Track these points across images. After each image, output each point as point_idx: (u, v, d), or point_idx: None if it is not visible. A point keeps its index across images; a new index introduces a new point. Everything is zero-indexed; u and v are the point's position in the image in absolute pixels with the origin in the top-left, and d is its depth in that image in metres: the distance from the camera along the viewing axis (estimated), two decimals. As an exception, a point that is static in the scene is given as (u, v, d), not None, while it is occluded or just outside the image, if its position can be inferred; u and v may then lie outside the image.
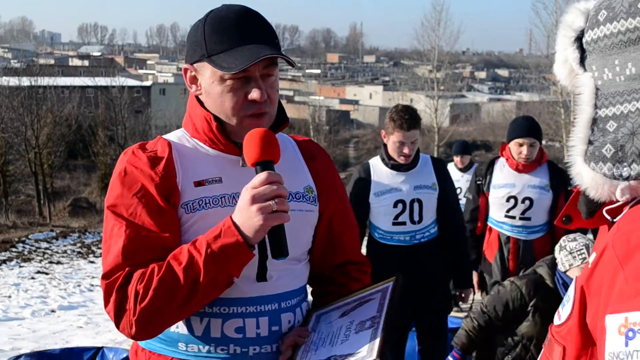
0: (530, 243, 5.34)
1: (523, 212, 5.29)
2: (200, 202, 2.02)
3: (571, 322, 1.24)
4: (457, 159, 8.90)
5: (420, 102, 48.82)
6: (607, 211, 1.30)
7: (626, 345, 1.07)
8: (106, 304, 1.94)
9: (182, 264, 1.89)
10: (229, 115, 2.03)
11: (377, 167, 4.87)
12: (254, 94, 1.99)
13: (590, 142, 1.30)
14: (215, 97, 2.03)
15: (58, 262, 12.99)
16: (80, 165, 45.03)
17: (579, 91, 1.34)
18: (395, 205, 4.78)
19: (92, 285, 10.98)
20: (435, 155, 41.96)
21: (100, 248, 15.02)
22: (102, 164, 39.80)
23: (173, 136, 2.15)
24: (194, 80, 2.09)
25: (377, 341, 1.92)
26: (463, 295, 5.16)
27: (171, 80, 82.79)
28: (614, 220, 1.27)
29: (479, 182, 5.50)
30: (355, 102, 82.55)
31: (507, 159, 5.35)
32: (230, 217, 1.91)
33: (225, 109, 2.03)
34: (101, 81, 50.27)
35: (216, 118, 2.05)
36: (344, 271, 2.33)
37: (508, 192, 5.30)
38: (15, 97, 37.70)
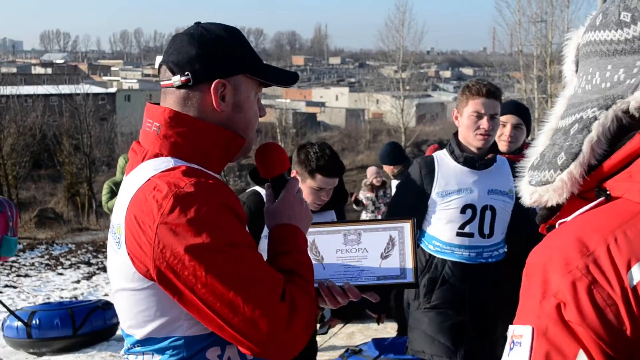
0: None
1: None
2: None
3: None
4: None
5: (387, 103, 49.09)
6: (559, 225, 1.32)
7: (508, 356, 1.15)
8: (289, 324, 1.81)
9: (309, 271, 2.01)
10: (253, 130, 2.08)
11: (444, 162, 3.94)
12: (264, 112, 2.14)
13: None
14: (246, 111, 2.04)
15: (26, 275, 12.81)
16: (45, 176, 44.51)
17: (557, 101, 1.37)
18: (463, 211, 3.86)
19: (62, 297, 10.85)
20: (403, 155, 42.11)
21: (69, 259, 14.88)
22: (67, 174, 39.37)
23: (183, 164, 1.94)
24: (220, 96, 1.99)
25: (411, 267, 2.24)
26: None
27: (136, 86, 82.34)
28: None
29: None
30: (322, 104, 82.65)
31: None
32: (292, 224, 2.07)
33: (253, 123, 2.08)
34: (65, 89, 49.55)
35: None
36: None
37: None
38: (-23, 107, 37.23)
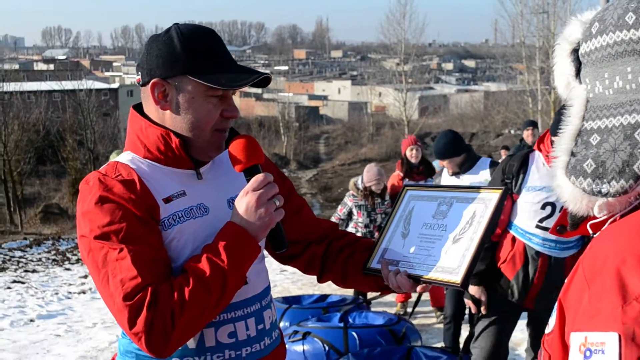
0: (562, 261, 4.33)
1: None
2: (175, 217, 2.07)
3: (554, 333, 1.26)
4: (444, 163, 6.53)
5: (389, 96, 49.09)
6: (590, 225, 1.31)
7: None
8: (131, 325, 1.88)
9: (208, 273, 1.94)
10: (203, 130, 2.10)
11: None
12: (234, 113, 2.15)
13: (572, 155, 1.31)
14: (192, 112, 2.08)
15: (34, 271, 12.89)
16: (50, 171, 44.52)
17: (571, 103, 1.35)
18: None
19: (70, 292, 10.90)
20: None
21: (75, 254, 14.94)
22: (72, 169, 39.40)
23: (126, 160, 2.14)
24: (163, 95, 2.10)
25: (466, 263, 2.00)
26: None
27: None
28: (595, 235, 1.28)
29: (507, 181, 4.39)
30: (324, 98, 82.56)
31: (546, 155, 4.28)
32: (235, 222, 2.03)
33: (202, 124, 2.09)
34: (68, 85, 49.54)
35: (176, 134, 2.10)
36: (331, 244, 2.43)
37: (545, 197, 4.26)
38: (-19, 104, 37.24)
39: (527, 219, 4.31)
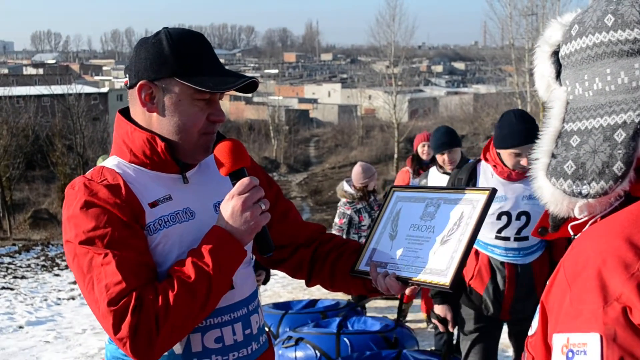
0: (528, 267, 4.18)
1: (519, 231, 4.13)
2: (160, 222, 2.07)
3: (537, 335, 1.27)
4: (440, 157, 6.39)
5: (379, 99, 49.06)
6: (571, 227, 1.32)
7: None
8: (116, 330, 1.88)
9: (192, 277, 1.94)
10: (190, 133, 2.10)
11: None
12: (220, 116, 2.15)
13: (553, 156, 1.32)
14: (179, 115, 2.08)
15: (23, 277, 12.83)
16: (39, 176, 44.35)
17: (551, 105, 1.36)
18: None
19: (59, 299, 10.85)
20: (396, 151, 42.21)
21: (65, 260, 14.86)
22: (61, 174, 39.17)
23: (112, 165, 2.13)
24: (150, 97, 2.10)
25: (454, 265, 1.99)
26: None
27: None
28: (576, 236, 1.28)
29: None
30: (314, 101, 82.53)
31: (494, 166, 4.16)
32: (220, 226, 2.03)
33: (189, 127, 2.09)
34: (57, 89, 49.17)
35: (162, 138, 2.10)
36: (318, 247, 2.42)
37: (499, 207, 4.10)
38: (-31, 109, 37.09)
39: (486, 231, 4.16)
